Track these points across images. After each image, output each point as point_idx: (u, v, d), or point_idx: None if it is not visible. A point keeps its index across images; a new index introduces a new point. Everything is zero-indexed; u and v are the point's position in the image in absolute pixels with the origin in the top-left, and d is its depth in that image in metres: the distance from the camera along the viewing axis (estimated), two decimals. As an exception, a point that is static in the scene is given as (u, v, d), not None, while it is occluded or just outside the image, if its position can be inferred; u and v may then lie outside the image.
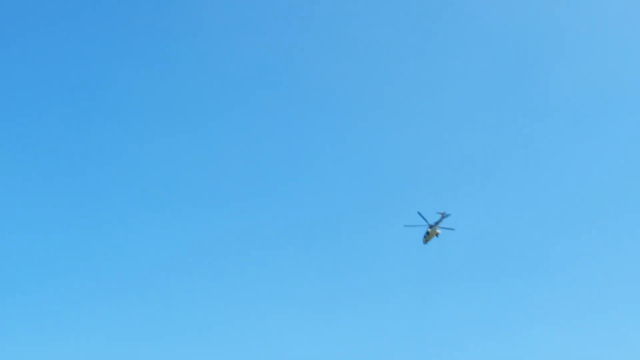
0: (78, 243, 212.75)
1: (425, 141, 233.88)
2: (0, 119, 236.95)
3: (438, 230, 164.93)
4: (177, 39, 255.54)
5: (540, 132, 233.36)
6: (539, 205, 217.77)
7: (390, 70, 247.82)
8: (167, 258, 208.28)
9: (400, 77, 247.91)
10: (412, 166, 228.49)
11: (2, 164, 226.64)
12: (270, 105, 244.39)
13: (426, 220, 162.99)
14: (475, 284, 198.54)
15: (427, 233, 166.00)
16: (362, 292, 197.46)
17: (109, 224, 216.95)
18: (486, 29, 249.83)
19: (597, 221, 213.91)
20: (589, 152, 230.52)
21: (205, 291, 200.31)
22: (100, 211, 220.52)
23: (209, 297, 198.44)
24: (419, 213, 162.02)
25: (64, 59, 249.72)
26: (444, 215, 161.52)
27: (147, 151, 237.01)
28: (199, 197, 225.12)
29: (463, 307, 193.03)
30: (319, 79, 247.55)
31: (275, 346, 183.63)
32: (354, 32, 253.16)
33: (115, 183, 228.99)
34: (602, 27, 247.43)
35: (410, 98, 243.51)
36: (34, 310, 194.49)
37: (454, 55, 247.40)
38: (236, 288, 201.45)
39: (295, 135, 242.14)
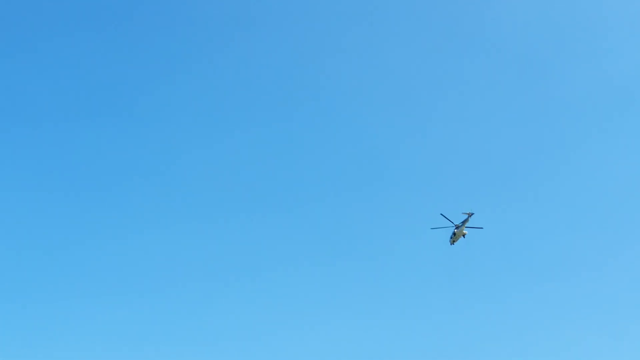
0: (93, 249, 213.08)
1: (444, 143, 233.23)
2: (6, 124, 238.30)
3: (465, 231, 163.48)
4: (182, 42, 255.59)
5: (566, 131, 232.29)
6: (566, 205, 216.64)
7: (406, 71, 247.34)
8: (192, 267, 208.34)
9: (418, 78, 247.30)
10: (431, 168, 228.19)
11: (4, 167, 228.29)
12: (288, 111, 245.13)
13: (451, 221, 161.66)
14: (504, 285, 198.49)
15: (454, 234, 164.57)
16: (393, 296, 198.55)
17: (120, 231, 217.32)
18: (506, 27, 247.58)
19: (634, 222, 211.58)
20: (619, 150, 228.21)
21: (233, 299, 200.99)
22: (110, 217, 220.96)
23: (235, 305, 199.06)
24: (442, 214, 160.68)
25: (72, 61, 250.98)
26: (470, 215, 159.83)
27: (156, 156, 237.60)
28: (218, 203, 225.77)
29: (492, 309, 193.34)
30: (335, 83, 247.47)
31: (300, 349, 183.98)
32: (368, 35, 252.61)
33: (126, 189, 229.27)
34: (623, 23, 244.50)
35: (429, 99, 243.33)
36: (44, 314, 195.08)
37: (475, 55, 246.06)
38: (255, 290, 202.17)
39: (316, 140, 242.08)
